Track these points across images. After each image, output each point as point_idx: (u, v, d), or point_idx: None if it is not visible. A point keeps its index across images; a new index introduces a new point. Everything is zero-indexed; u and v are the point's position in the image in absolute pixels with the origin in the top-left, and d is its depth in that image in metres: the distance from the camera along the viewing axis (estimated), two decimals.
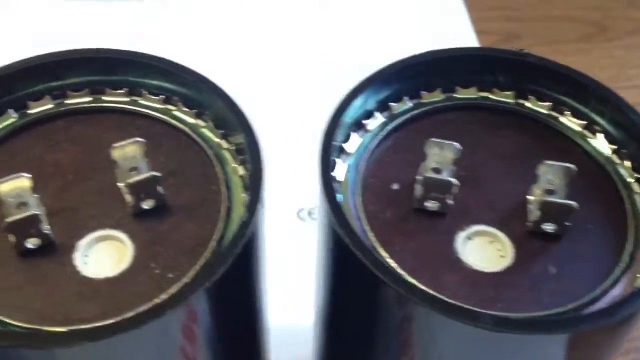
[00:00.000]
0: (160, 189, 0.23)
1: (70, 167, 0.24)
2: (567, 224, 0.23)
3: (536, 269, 0.23)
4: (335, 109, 0.25)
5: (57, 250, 0.22)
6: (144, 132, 0.25)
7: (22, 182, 0.22)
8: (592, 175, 0.25)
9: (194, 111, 0.26)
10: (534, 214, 0.23)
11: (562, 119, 0.26)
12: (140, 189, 0.23)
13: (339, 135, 0.25)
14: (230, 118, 0.24)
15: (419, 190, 0.24)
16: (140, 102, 0.26)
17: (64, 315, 0.21)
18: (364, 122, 0.26)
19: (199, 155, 0.25)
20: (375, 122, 0.26)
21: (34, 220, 0.22)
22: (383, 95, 0.26)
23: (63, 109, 0.26)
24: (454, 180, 0.23)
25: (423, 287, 0.21)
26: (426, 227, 0.24)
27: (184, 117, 0.26)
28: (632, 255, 0.23)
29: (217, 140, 0.25)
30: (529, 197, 0.24)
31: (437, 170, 0.23)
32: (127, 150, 0.23)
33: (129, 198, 0.23)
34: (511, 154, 0.26)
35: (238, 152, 0.25)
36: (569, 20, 0.55)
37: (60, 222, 0.23)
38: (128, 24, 0.51)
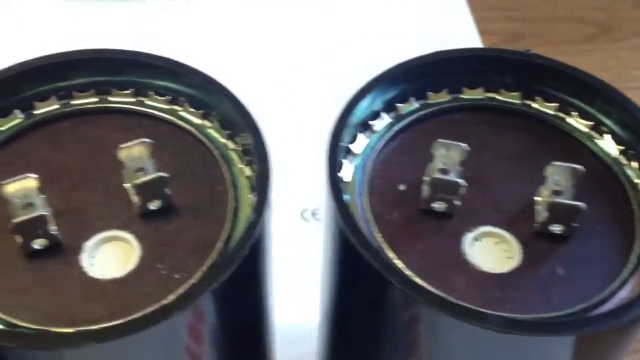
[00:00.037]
0: (166, 190, 0.23)
1: (76, 167, 0.24)
2: (574, 224, 0.23)
3: (543, 270, 0.23)
4: (342, 109, 0.25)
5: (63, 251, 0.22)
6: (149, 133, 0.25)
7: (29, 182, 0.22)
8: (599, 176, 0.25)
9: (200, 111, 0.26)
10: (541, 214, 0.23)
11: (569, 120, 0.26)
12: (147, 190, 0.23)
13: (346, 136, 0.25)
14: (236, 119, 0.24)
15: (426, 190, 0.23)
16: (146, 102, 0.26)
17: (71, 316, 0.21)
18: (370, 122, 0.26)
19: (205, 156, 0.25)
20: (381, 123, 0.26)
21: (40, 220, 0.22)
22: (389, 95, 0.26)
23: (69, 109, 0.26)
24: (461, 181, 0.23)
25: (431, 288, 0.21)
26: (433, 227, 0.24)
27: (190, 117, 0.26)
28: (639, 257, 0.23)
29: (223, 140, 0.25)
30: (535, 198, 0.24)
31: (444, 171, 0.23)
32: (134, 151, 0.23)
33: (135, 198, 0.23)
34: (518, 154, 0.26)
35: (244, 152, 0.25)
36: (573, 20, 0.54)
37: (67, 222, 0.23)
38: (129, 24, 0.51)
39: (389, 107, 0.26)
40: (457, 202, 0.23)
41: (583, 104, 0.26)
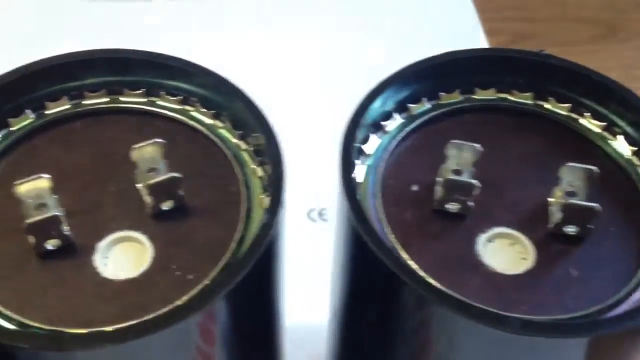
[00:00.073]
0: (179, 190, 0.23)
1: (88, 167, 0.24)
2: (589, 226, 0.23)
3: (558, 272, 0.23)
4: (354, 110, 0.25)
5: (76, 252, 0.22)
6: (161, 133, 0.25)
7: (42, 182, 0.22)
8: (612, 177, 0.25)
9: (212, 112, 0.26)
10: (555, 216, 0.23)
11: (582, 121, 0.26)
12: (160, 190, 0.23)
13: (358, 136, 0.25)
14: (249, 119, 0.24)
15: (439, 191, 0.23)
16: (157, 102, 0.26)
17: (84, 317, 0.21)
18: (383, 123, 0.26)
19: (217, 156, 0.25)
20: (393, 123, 0.26)
21: (54, 221, 0.22)
22: (401, 96, 0.26)
23: (80, 109, 0.26)
24: (475, 182, 0.23)
25: (445, 289, 0.21)
26: (446, 228, 0.23)
27: (202, 117, 0.26)
28: None
29: (235, 140, 0.25)
30: (549, 199, 0.24)
31: (458, 172, 0.23)
32: (146, 151, 0.23)
33: (148, 199, 0.23)
34: (530, 155, 0.25)
35: (256, 153, 0.25)
36: (579, 20, 0.54)
37: (79, 223, 0.23)
38: (139, 24, 0.50)
39: (401, 108, 0.26)
40: (470, 203, 0.23)
41: (596, 105, 0.26)
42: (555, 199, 0.23)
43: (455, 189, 0.23)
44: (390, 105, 0.26)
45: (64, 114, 0.25)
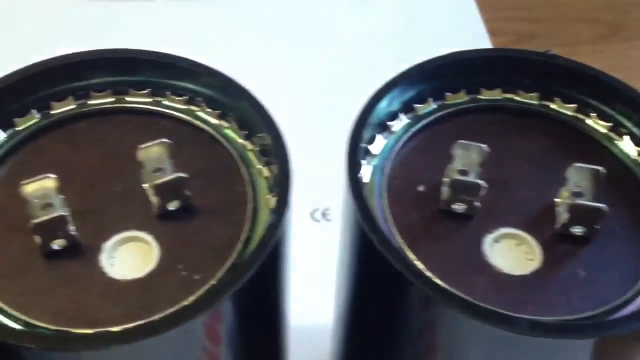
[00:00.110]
0: (185, 190, 0.23)
1: (94, 167, 0.24)
2: (596, 227, 0.23)
3: (564, 272, 0.22)
4: (361, 110, 0.24)
5: (82, 252, 0.22)
6: (167, 133, 0.25)
7: (48, 182, 0.22)
8: (618, 178, 0.25)
9: (218, 112, 0.26)
10: (562, 216, 0.23)
11: (588, 121, 0.26)
12: (166, 190, 0.23)
13: (364, 137, 0.24)
14: (254, 119, 0.24)
15: (445, 192, 0.23)
16: (163, 102, 0.26)
17: (90, 317, 0.21)
18: (389, 123, 0.26)
19: (223, 156, 0.25)
20: (399, 124, 0.26)
21: (60, 221, 0.22)
22: (407, 96, 0.26)
23: (86, 109, 0.26)
24: (482, 182, 0.23)
25: (452, 290, 0.21)
26: (453, 229, 0.23)
27: (207, 117, 0.26)
28: None
29: (240, 141, 0.25)
30: (556, 200, 0.24)
31: (464, 172, 0.23)
32: (153, 151, 0.23)
33: (154, 199, 0.23)
34: (536, 155, 0.25)
35: (262, 153, 0.25)
36: (583, 20, 0.54)
37: (86, 223, 0.23)
38: (144, 23, 0.50)
39: (407, 108, 0.26)
40: (476, 204, 0.23)
41: (602, 105, 0.26)
42: (562, 200, 0.23)
43: (461, 189, 0.23)
44: (396, 106, 0.26)
45: (70, 114, 0.25)
